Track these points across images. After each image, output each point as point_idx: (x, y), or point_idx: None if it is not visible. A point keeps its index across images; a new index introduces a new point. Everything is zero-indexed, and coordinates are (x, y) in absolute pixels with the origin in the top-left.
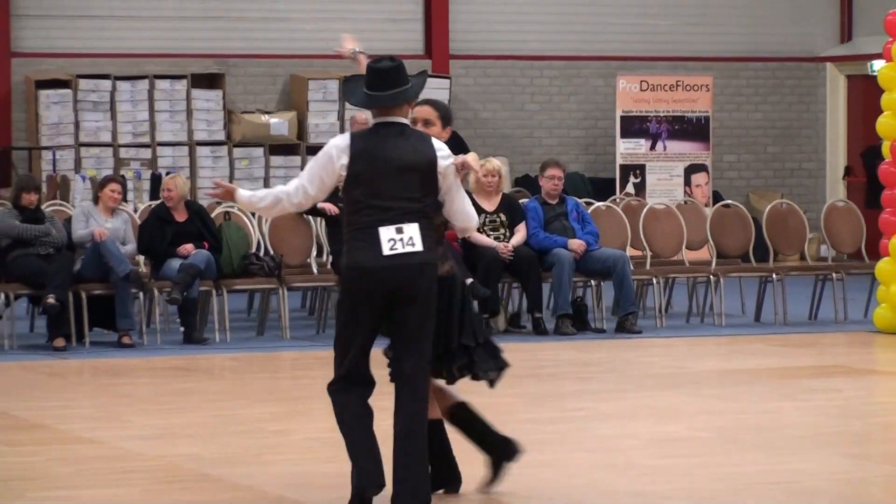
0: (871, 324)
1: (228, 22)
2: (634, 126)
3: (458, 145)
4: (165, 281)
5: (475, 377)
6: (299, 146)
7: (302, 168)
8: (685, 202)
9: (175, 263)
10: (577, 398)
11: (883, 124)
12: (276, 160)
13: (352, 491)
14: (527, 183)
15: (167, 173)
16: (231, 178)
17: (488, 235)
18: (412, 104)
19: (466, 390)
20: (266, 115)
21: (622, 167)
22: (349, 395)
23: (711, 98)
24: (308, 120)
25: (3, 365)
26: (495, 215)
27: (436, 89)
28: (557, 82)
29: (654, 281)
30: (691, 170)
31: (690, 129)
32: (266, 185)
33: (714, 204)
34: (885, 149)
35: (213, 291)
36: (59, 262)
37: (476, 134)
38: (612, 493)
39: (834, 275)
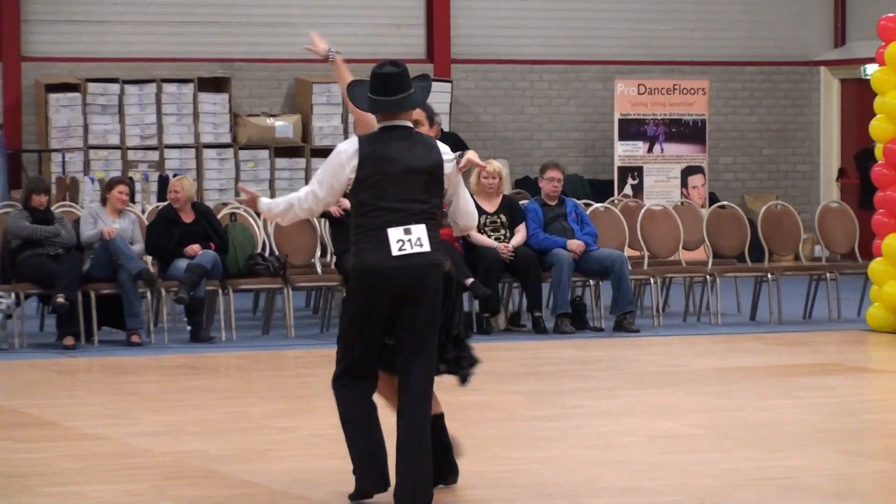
0: (864, 323)
1: (234, 27)
2: (632, 129)
3: (458, 146)
4: (172, 281)
5: (456, 372)
6: (304, 148)
7: (306, 170)
8: (682, 203)
9: (182, 263)
10: (576, 396)
11: (876, 127)
12: (280, 162)
13: (355, 488)
14: (527, 185)
15: (174, 175)
16: (237, 180)
17: (489, 236)
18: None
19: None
20: (271, 118)
21: (620, 169)
22: (353, 390)
23: (708, 101)
24: (312, 123)
25: (14, 363)
26: (496, 216)
27: (437, 93)
28: (557, 86)
29: (652, 281)
30: (688, 172)
31: (687, 131)
32: (271, 186)
33: (710, 205)
34: (878, 151)
35: (220, 291)
36: (68, 263)
37: (477, 136)
38: (610, 488)
39: (828, 275)
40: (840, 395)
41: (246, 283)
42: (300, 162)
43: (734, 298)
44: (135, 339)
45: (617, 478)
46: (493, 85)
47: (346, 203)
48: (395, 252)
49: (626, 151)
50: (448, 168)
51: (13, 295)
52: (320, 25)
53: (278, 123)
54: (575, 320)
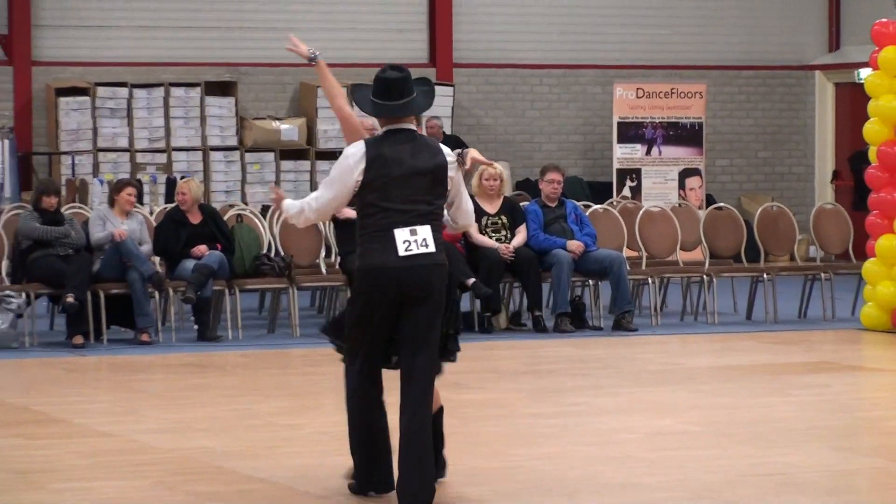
0: (858, 322)
1: (240, 32)
2: (631, 132)
3: (459, 147)
4: (180, 281)
5: (447, 357)
6: (308, 151)
7: (311, 172)
8: (679, 205)
9: (189, 264)
10: (576, 393)
11: (869, 130)
12: (286, 164)
13: (357, 484)
14: (527, 186)
15: (181, 177)
16: (243, 182)
17: (490, 237)
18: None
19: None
20: (277, 122)
21: (619, 171)
22: (365, 400)
23: (705, 105)
24: (317, 126)
25: (24, 361)
26: (497, 217)
27: (440, 96)
28: (557, 90)
29: (650, 281)
30: (685, 174)
31: (684, 134)
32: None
33: (707, 207)
34: (872, 153)
35: (226, 291)
36: (77, 263)
37: (479, 139)
38: (609, 484)
39: (822, 275)
40: (834, 392)
41: (252, 283)
42: (305, 164)
43: (731, 298)
44: (144, 337)
45: (615, 474)
46: (494, 89)
47: (347, 213)
48: (401, 252)
49: (624, 154)
50: (451, 170)
51: (24, 294)
52: (325, 30)
53: (283, 126)
54: (574, 319)
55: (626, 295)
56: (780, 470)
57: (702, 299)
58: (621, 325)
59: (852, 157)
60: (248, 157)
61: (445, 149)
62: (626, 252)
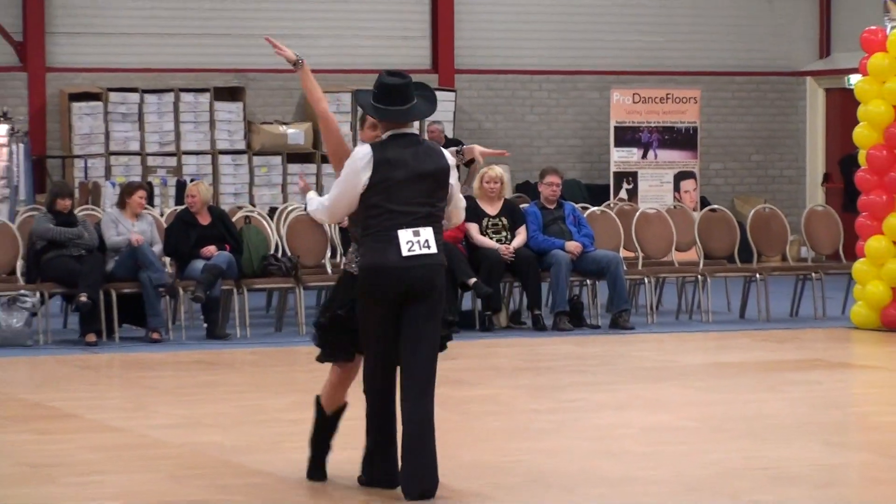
0: (848, 321)
1: (248, 39)
2: (627, 136)
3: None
4: (190, 280)
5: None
6: (315, 154)
7: (317, 175)
8: (674, 207)
9: (199, 264)
10: (574, 390)
11: (859, 134)
12: (293, 168)
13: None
14: (527, 189)
15: (191, 180)
16: (251, 185)
17: (491, 238)
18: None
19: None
20: (284, 126)
21: (616, 174)
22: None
23: (699, 110)
24: None
25: (39, 359)
26: (497, 219)
27: (442, 101)
28: (555, 95)
29: (646, 280)
30: (680, 177)
31: (680, 138)
32: (283, 191)
33: (701, 209)
34: (861, 157)
35: (235, 290)
36: (90, 263)
37: (479, 143)
38: (606, 478)
39: (813, 275)
40: (825, 389)
41: (260, 283)
42: (311, 167)
43: (724, 297)
44: (155, 336)
45: (612, 468)
46: (494, 94)
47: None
48: (404, 252)
49: (621, 157)
50: (453, 178)
51: (38, 294)
52: (330, 37)
53: (290, 131)
54: (573, 318)
55: (623, 294)
56: (772, 464)
57: (696, 298)
58: (618, 323)
59: (842, 161)
60: (256, 160)
61: (447, 153)
62: (623, 252)
